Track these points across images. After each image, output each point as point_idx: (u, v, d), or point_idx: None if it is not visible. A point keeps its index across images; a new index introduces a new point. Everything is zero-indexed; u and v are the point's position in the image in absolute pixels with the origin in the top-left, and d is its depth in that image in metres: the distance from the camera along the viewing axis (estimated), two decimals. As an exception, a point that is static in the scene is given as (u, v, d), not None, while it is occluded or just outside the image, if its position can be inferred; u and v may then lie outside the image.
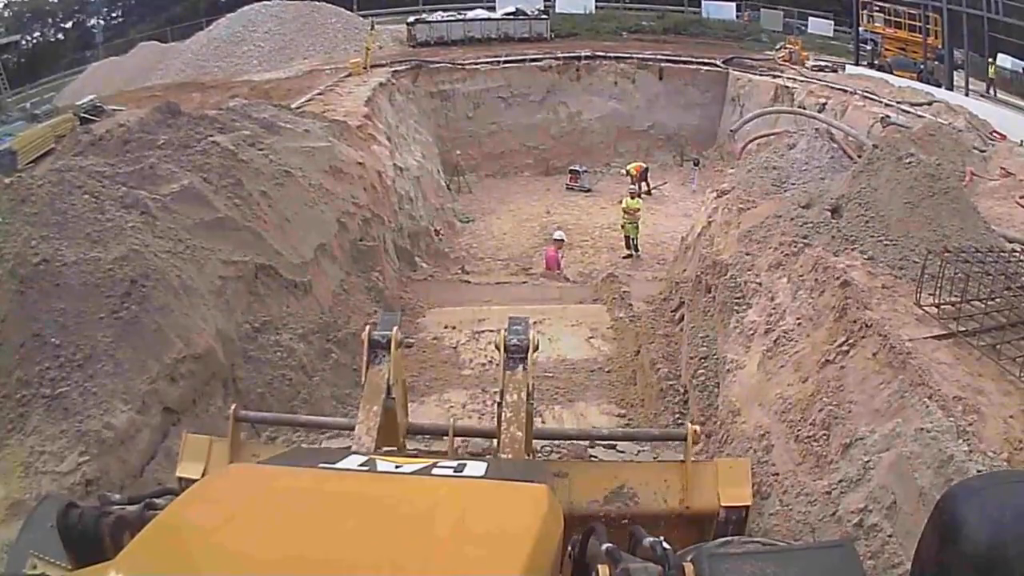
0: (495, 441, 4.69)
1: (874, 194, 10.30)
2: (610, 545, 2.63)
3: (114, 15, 54.82)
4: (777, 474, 7.12)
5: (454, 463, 3.30)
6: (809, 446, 7.01)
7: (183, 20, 48.94)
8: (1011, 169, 17.94)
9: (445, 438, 5.42)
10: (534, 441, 5.33)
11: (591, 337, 12.83)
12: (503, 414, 4.50)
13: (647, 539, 2.76)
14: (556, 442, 8.72)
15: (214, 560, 2.19)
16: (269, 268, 11.10)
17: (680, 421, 9.68)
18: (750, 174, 14.12)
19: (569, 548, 3.32)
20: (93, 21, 54.28)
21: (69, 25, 53.41)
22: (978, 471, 5.51)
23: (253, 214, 11.75)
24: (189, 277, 9.48)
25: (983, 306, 7.99)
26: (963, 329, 7.66)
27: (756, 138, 24.32)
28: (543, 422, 9.90)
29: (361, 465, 3.15)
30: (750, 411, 8.12)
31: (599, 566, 2.37)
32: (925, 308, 7.99)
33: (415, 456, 4.28)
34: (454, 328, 13.12)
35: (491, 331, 12.32)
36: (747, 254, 10.61)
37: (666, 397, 10.13)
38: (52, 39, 52.22)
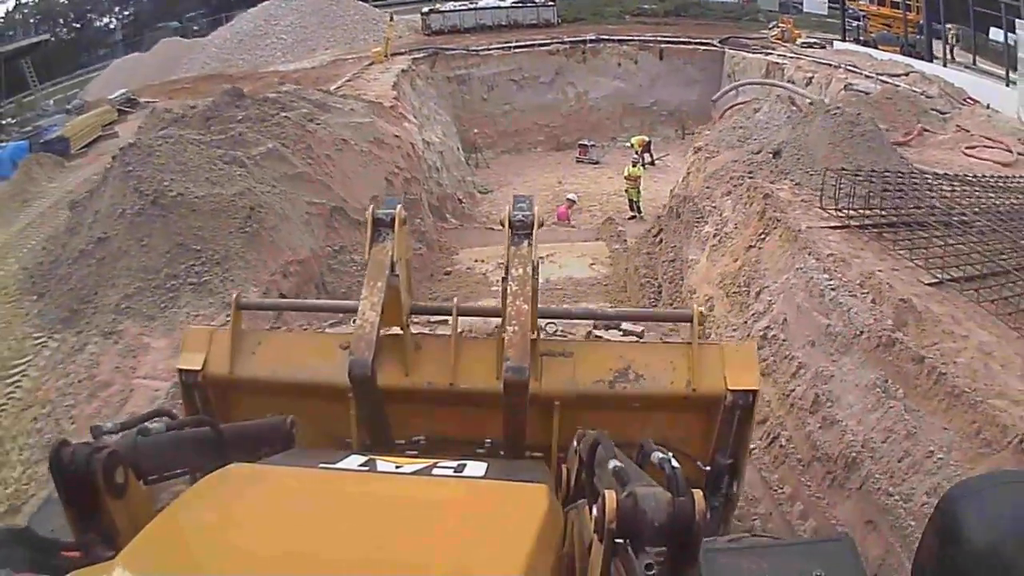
0: (500, 320, 4.79)
1: (806, 139, 13.73)
2: (618, 464, 2.62)
3: (126, 13, 58.02)
4: (715, 319, 10.59)
5: (454, 463, 3.39)
6: (735, 298, 10.50)
7: (201, 16, 52.12)
8: (966, 127, 21.18)
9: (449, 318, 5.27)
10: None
11: (592, 264, 16.33)
12: (508, 288, 4.51)
13: (656, 454, 2.71)
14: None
15: (215, 559, 2.29)
16: (340, 210, 14.67)
17: (655, 304, 13.16)
18: (720, 133, 17.53)
19: (575, 443, 3.57)
20: (105, 20, 57.73)
21: (79, 25, 56.46)
22: (832, 288, 8.94)
23: (323, 171, 15.33)
24: (287, 210, 13.03)
25: (875, 211, 11.33)
26: (856, 224, 11.03)
27: (733, 106, 27.44)
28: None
29: (361, 465, 3.26)
30: (701, 288, 11.60)
31: (606, 491, 2.28)
32: (828, 211, 11.39)
33: (414, 457, 4.21)
34: (483, 262, 16.57)
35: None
36: (707, 188, 14.06)
37: (644, 288, 13.75)
38: (65, 38, 55.19)
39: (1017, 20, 28.51)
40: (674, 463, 2.50)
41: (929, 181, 13.25)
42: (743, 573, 2.98)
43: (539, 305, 4.77)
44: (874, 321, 8.22)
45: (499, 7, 43.10)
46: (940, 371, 7.31)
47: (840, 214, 11.29)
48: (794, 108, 18.39)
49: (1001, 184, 14.29)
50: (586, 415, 4.65)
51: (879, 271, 9.49)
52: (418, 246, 16.40)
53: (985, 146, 19.16)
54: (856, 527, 7.03)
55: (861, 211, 11.26)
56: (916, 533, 6.36)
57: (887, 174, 12.41)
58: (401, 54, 35.26)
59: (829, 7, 46.15)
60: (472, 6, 43.19)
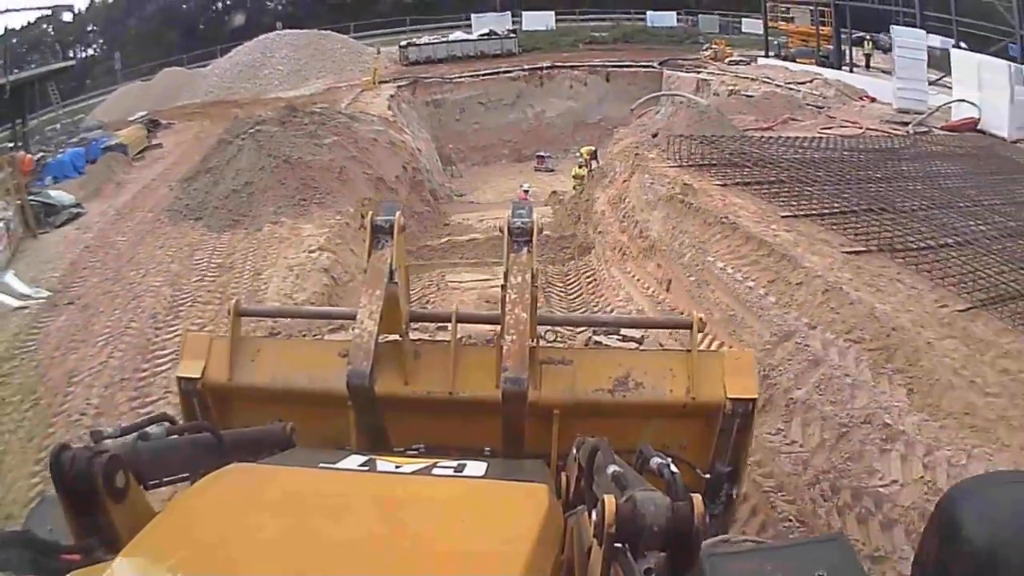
0: (499, 327, 5.21)
1: (673, 124, 24.78)
2: (617, 469, 2.78)
3: (107, 46, 67.04)
4: (604, 219, 21.39)
5: (454, 463, 3.73)
6: (615, 207, 21.37)
7: (190, 49, 61.42)
8: (835, 115, 31.53)
9: (448, 326, 5.71)
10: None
11: (541, 217, 26.85)
12: (507, 296, 4.90)
13: (655, 459, 2.91)
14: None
15: (214, 558, 2.48)
16: (380, 179, 25.53)
17: (575, 221, 23.99)
18: (630, 128, 28.87)
19: (574, 450, 4.04)
20: (91, 51, 67.21)
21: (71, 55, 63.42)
22: (650, 183, 19.74)
23: (366, 156, 26.15)
24: (356, 173, 23.91)
25: (706, 159, 21.91)
26: (687, 164, 21.63)
27: (645, 112, 37.25)
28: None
29: (361, 465, 3.57)
30: (600, 208, 22.43)
31: (605, 496, 2.40)
32: (671, 159, 22.13)
33: (415, 455, 4.52)
34: (468, 219, 27.33)
35: (493, 219, 26.12)
36: (611, 159, 25.02)
37: (571, 215, 24.69)
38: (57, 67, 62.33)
39: (892, 27, 37.01)
40: (673, 468, 2.72)
41: (761, 144, 23.56)
42: None
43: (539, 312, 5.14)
44: (667, 192, 18.82)
45: (468, 40, 53.46)
46: (695, 205, 17.71)
47: (678, 160, 21.72)
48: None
49: (822, 145, 24.06)
50: (585, 423, 5.09)
51: (685, 179, 19.84)
52: (427, 209, 27.30)
53: (840, 126, 28.78)
54: (655, 273, 17.15)
55: (693, 158, 21.64)
56: (679, 262, 16.70)
57: (714, 137, 23.16)
58: (386, 82, 44.91)
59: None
60: (444, 40, 53.45)
